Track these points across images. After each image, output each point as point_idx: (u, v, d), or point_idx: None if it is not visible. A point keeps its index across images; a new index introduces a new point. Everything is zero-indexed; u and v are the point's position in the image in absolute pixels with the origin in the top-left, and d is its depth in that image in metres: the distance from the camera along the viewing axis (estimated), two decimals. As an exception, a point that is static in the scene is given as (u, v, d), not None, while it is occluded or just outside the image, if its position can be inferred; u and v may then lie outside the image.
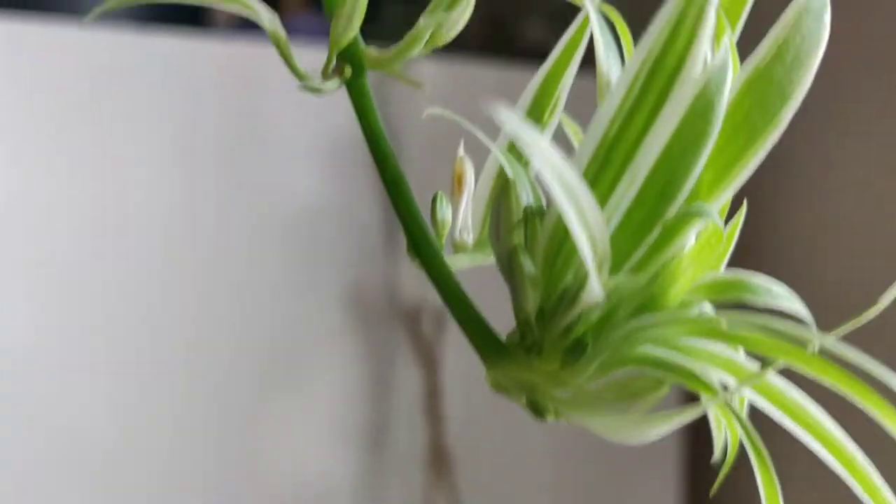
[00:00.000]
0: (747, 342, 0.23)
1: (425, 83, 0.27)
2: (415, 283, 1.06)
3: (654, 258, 0.23)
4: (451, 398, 1.08)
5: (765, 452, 0.26)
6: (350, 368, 1.05)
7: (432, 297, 1.02)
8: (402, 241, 0.93)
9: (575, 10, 0.29)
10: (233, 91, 0.99)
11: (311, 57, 1.10)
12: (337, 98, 1.03)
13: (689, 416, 0.24)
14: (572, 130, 0.29)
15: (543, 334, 0.24)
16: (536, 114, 0.27)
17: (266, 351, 1.01)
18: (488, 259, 0.27)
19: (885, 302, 0.22)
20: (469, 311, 0.25)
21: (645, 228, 0.22)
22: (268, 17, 0.26)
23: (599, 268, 0.20)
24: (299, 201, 1.02)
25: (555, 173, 0.19)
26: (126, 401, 0.94)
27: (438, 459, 1.07)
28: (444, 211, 0.27)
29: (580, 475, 1.21)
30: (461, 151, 0.29)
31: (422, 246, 0.26)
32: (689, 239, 0.23)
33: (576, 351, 0.24)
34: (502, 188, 0.24)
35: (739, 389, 0.25)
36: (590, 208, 0.19)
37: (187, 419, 0.97)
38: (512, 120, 0.18)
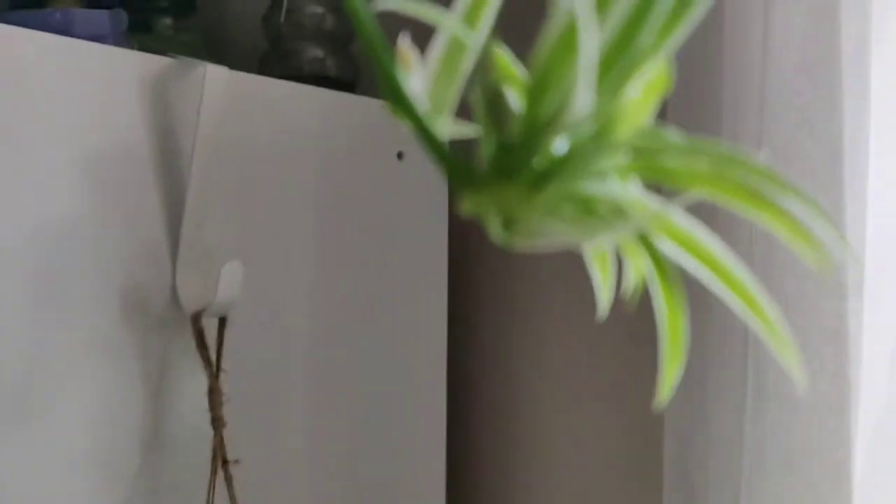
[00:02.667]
0: (677, 175, 0.31)
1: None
2: (198, 288, 1.10)
3: (610, 102, 0.30)
4: (231, 402, 1.12)
5: (670, 269, 0.34)
6: (129, 374, 1.07)
7: (215, 301, 1.06)
8: (183, 249, 0.97)
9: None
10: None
11: (105, 56, 1.13)
12: (107, 114, 1.07)
13: (617, 230, 0.32)
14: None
15: (521, 160, 0.31)
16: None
17: (38, 363, 1.02)
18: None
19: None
20: (443, 150, 0.32)
21: (610, 65, 0.29)
22: None
23: (588, 85, 0.28)
24: (68, 213, 1.03)
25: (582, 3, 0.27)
26: None
27: (218, 462, 1.11)
28: (407, 77, 0.34)
29: (345, 472, 1.28)
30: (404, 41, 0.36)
31: (401, 101, 0.33)
32: (636, 88, 0.31)
33: (543, 180, 0.31)
34: (485, 52, 0.31)
35: (651, 217, 0.33)
36: (593, 30, 0.27)
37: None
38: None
